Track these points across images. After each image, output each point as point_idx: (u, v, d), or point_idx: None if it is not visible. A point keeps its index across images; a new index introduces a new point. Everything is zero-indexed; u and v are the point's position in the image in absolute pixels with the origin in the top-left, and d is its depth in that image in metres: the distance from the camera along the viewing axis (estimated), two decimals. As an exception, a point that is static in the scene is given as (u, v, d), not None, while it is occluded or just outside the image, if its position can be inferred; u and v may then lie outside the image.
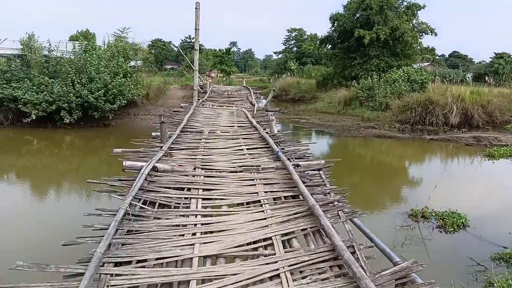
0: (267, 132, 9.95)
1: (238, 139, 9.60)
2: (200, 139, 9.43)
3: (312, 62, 56.53)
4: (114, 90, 19.60)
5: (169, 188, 5.71)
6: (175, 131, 9.92)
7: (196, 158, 7.52)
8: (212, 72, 43.73)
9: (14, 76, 19.37)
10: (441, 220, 8.22)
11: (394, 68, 26.68)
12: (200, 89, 23.68)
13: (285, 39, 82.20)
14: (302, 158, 7.49)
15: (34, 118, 18.43)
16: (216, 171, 6.71)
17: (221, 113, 14.88)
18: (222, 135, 10.12)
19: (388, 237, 7.02)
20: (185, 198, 5.37)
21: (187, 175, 6.34)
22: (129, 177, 5.91)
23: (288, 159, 7.05)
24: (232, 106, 17.62)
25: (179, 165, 6.76)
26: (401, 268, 3.40)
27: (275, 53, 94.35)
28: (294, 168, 6.34)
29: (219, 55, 52.42)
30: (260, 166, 6.89)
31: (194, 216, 4.80)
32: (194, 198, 5.36)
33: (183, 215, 4.80)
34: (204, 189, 5.72)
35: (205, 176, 6.35)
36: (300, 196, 5.29)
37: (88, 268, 3.21)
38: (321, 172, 6.48)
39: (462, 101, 21.11)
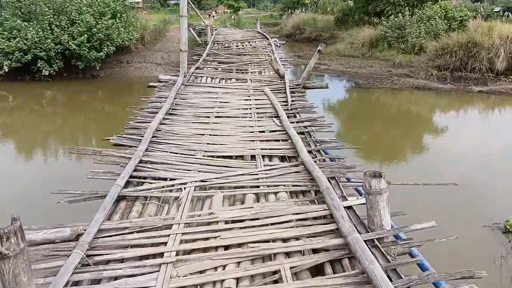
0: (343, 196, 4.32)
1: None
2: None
3: (327, -6, 51.35)
4: (100, 34, 16.42)
5: None
6: (115, 179, 4.58)
7: None
8: (217, 9, 39.53)
9: (-18, 20, 16.41)
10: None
11: (429, 2, 22.86)
12: (197, 38, 20.18)
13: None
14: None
15: (7, 70, 15.65)
16: None
17: (228, 102, 8.57)
18: (230, 223, 3.98)
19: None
20: None
21: None
22: None
23: None
24: (246, 78, 11.20)
25: None
26: None
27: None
28: None
29: (225, -12, 47.66)
30: None
31: None
32: None
33: None
34: None
35: None
36: None
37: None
38: None
39: (510, 42, 17.77)
